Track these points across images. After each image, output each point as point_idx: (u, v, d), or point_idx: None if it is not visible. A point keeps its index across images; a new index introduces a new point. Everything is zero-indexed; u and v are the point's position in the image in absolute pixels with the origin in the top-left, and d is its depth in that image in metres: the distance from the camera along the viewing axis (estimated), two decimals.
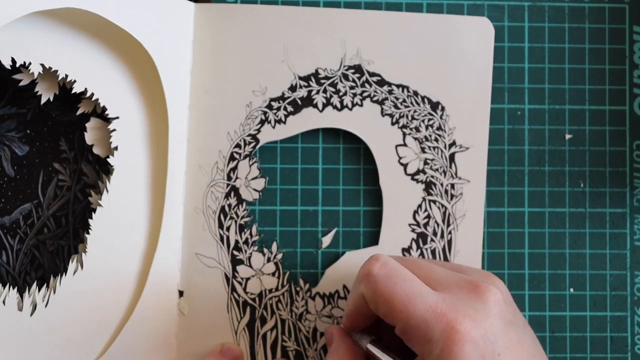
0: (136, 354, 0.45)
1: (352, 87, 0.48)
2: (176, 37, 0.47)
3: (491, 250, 0.48)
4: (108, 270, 0.45)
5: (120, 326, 0.45)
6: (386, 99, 0.48)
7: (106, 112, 0.46)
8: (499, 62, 0.49)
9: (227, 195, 0.48)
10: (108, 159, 0.46)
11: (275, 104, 0.48)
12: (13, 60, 0.43)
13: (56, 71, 0.44)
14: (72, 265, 0.45)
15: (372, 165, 0.48)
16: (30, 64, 0.43)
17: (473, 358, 0.36)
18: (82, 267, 0.45)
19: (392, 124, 0.48)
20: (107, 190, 0.45)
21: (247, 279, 0.47)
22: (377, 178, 0.48)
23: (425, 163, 0.48)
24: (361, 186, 0.48)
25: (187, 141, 0.47)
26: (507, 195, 0.48)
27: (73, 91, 0.45)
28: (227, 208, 0.47)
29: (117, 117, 0.46)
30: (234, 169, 0.48)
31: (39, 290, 0.44)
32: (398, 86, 0.48)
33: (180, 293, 0.47)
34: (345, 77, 0.48)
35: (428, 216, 0.47)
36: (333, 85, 0.48)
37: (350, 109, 0.48)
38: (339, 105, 0.48)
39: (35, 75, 0.44)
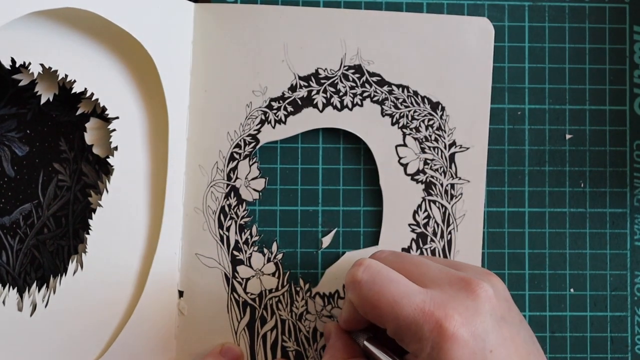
0: (136, 354, 0.45)
1: (352, 87, 0.48)
2: (176, 37, 0.47)
3: (491, 250, 0.48)
4: (108, 271, 0.45)
5: (120, 326, 0.45)
6: (386, 99, 0.48)
7: (106, 112, 0.45)
8: (499, 62, 0.49)
9: (227, 196, 0.47)
10: (108, 159, 0.46)
11: (275, 104, 0.48)
12: (13, 61, 0.43)
13: (56, 71, 0.44)
14: (72, 266, 0.45)
15: (372, 165, 0.48)
16: (30, 64, 0.43)
17: (463, 355, 0.36)
18: (82, 267, 0.45)
19: (392, 124, 0.48)
20: (107, 191, 0.45)
21: (247, 279, 0.47)
22: (377, 178, 0.48)
23: (425, 163, 0.47)
24: (361, 186, 0.48)
25: (187, 141, 0.47)
26: (507, 195, 0.48)
27: (73, 91, 0.45)
28: (227, 208, 0.47)
29: (117, 117, 0.46)
30: (234, 169, 0.48)
31: (39, 291, 0.44)
32: (398, 86, 0.48)
33: (180, 293, 0.47)
34: (346, 77, 0.48)
35: (428, 216, 0.47)
36: (333, 85, 0.48)
37: (351, 109, 0.48)
38: (339, 106, 0.48)
39: (35, 76, 0.44)
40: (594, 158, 0.49)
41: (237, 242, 0.47)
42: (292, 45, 0.48)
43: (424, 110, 0.48)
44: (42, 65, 0.44)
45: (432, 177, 0.48)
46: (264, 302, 0.47)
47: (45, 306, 0.44)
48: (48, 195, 0.47)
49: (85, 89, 0.45)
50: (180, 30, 0.47)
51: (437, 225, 0.47)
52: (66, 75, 0.44)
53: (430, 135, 0.48)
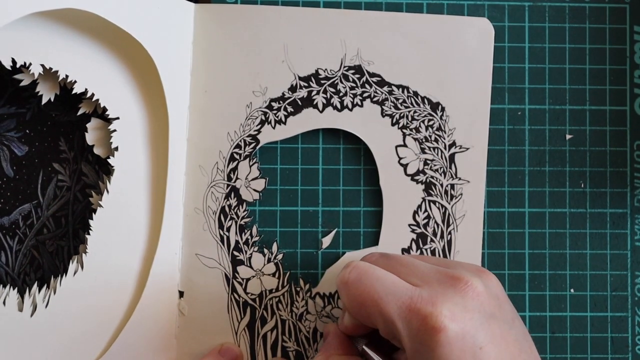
0: (136, 354, 0.45)
1: (352, 88, 0.48)
2: (176, 37, 0.47)
3: (491, 251, 0.48)
4: (108, 271, 0.45)
5: (121, 326, 0.45)
6: (386, 99, 0.48)
7: (107, 113, 0.46)
8: (500, 62, 0.49)
9: (228, 196, 0.48)
10: (108, 160, 0.46)
11: (275, 105, 0.48)
12: (13, 61, 0.43)
13: (57, 72, 0.44)
14: (72, 266, 0.45)
15: (372, 166, 0.48)
16: (30, 64, 0.43)
17: (452, 352, 0.36)
18: (82, 267, 0.45)
19: (392, 124, 0.48)
20: (108, 191, 0.45)
21: (248, 280, 0.47)
22: (377, 178, 0.48)
23: (425, 163, 0.47)
24: (361, 186, 0.48)
25: (187, 141, 0.47)
26: (507, 196, 0.48)
27: (74, 91, 0.45)
28: (227, 208, 0.47)
29: (118, 118, 0.46)
30: (234, 169, 0.48)
31: (39, 291, 0.44)
32: (398, 87, 0.48)
33: (180, 293, 0.47)
34: (346, 77, 0.48)
35: (428, 216, 0.47)
36: (333, 85, 0.48)
37: (351, 110, 0.48)
38: (339, 106, 0.48)
39: (36, 76, 0.44)
40: (594, 158, 0.49)
41: (237, 242, 0.47)
42: (292, 45, 0.48)
43: (424, 110, 0.48)
44: (42, 65, 0.44)
45: (432, 177, 0.48)
46: (264, 302, 0.47)
47: (46, 306, 0.44)
48: (47, 195, 0.47)
49: (86, 89, 0.45)
50: (180, 30, 0.47)
51: (437, 225, 0.47)
52: (67, 76, 0.44)
53: (430, 136, 0.48)
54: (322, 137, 0.48)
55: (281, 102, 0.48)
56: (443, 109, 0.48)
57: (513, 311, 0.40)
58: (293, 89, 0.48)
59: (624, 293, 0.49)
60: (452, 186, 0.47)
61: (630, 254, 0.49)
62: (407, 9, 0.49)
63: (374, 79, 0.48)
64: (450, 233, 0.47)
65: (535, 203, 0.49)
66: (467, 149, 0.48)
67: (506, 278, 0.48)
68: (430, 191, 0.47)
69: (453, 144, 0.48)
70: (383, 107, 0.48)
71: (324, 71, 0.48)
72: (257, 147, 0.48)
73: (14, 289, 0.44)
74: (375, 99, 0.48)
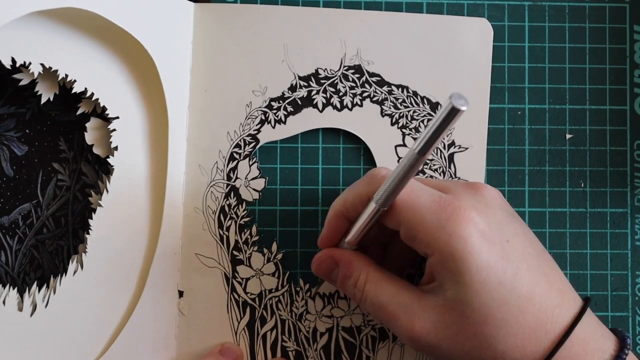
0: (136, 354, 0.45)
1: (352, 88, 0.48)
2: (176, 37, 0.47)
3: None
4: (108, 271, 0.45)
5: (121, 326, 0.45)
6: (386, 99, 0.48)
7: (106, 112, 0.46)
8: (499, 62, 0.49)
9: (227, 196, 0.48)
10: (108, 159, 0.46)
11: (275, 104, 0.48)
12: (13, 60, 0.43)
13: (56, 71, 0.44)
14: (72, 266, 0.45)
15: (372, 165, 0.48)
16: (30, 63, 0.43)
17: (482, 242, 0.37)
18: (82, 267, 0.45)
19: (392, 124, 0.48)
20: (107, 191, 0.45)
21: (247, 279, 0.47)
22: None
23: (425, 163, 0.47)
24: None
25: (186, 141, 0.47)
26: (507, 195, 0.48)
27: (73, 91, 0.45)
28: (227, 208, 0.47)
29: (117, 117, 0.46)
30: (234, 169, 0.48)
31: (39, 291, 0.44)
32: (398, 86, 0.48)
33: (180, 293, 0.47)
34: (345, 77, 0.48)
35: None
36: (333, 85, 0.48)
37: (350, 109, 0.48)
38: (338, 106, 0.48)
39: (36, 75, 0.44)
40: (594, 158, 0.49)
41: (237, 242, 0.47)
42: (292, 45, 0.48)
43: (424, 110, 0.48)
44: (42, 65, 0.44)
45: (431, 177, 0.48)
46: (263, 302, 0.47)
47: (46, 306, 0.44)
48: (47, 195, 0.47)
49: (86, 88, 0.45)
50: (180, 30, 0.47)
51: None
52: (66, 75, 0.44)
53: None
54: (322, 137, 0.48)
55: (281, 101, 0.48)
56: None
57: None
58: (293, 88, 0.48)
59: (624, 293, 0.49)
60: None
61: (630, 253, 0.49)
62: (407, 9, 0.49)
63: (374, 79, 0.48)
64: None
65: (535, 203, 0.48)
66: (466, 148, 0.48)
67: None
68: None
69: (452, 144, 0.48)
70: (383, 106, 0.48)
71: (324, 71, 0.48)
72: (257, 147, 0.48)
73: (13, 288, 0.44)
74: (375, 98, 0.48)
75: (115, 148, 0.46)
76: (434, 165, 0.47)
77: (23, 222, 0.47)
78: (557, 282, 0.39)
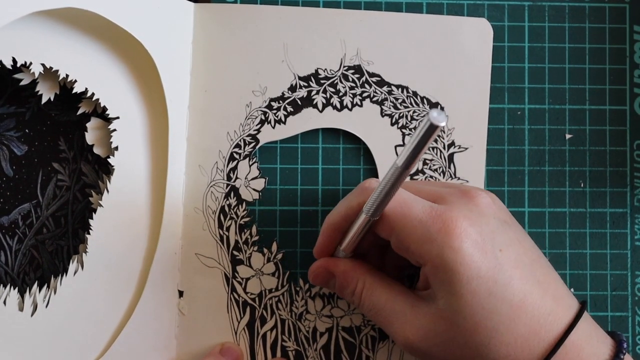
0: (136, 354, 0.45)
1: (351, 88, 0.48)
2: (176, 37, 0.47)
3: None
4: (108, 271, 0.45)
5: (121, 326, 0.45)
6: (386, 99, 0.48)
7: (107, 112, 0.46)
8: (499, 62, 0.49)
9: (227, 196, 0.48)
10: (108, 159, 0.46)
11: (275, 104, 0.48)
12: (14, 60, 0.43)
13: (57, 71, 0.44)
14: (72, 266, 0.45)
15: (372, 166, 0.48)
16: (30, 63, 0.43)
17: (474, 253, 0.37)
18: (82, 267, 0.45)
19: (392, 124, 0.48)
20: (108, 191, 0.45)
21: (247, 279, 0.47)
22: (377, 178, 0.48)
23: (424, 163, 0.47)
24: None
25: (186, 141, 0.47)
26: (507, 195, 0.48)
27: (73, 91, 0.45)
28: (227, 208, 0.48)
29: (118, 117, 0.46)
30: (234, 169, 0.48)
31: (40, 291, 0.44)
32: (397, 87, 0.48)
33: (180, 293, 0.47)
34: (345, 77, 0.48)
35: None
36: (333, 85, 0.48)
37: (350, 110, 0.48)
38: (338, 106, 0.48)
39: (36, 75, 0.44)
40: (594, 158, 0.49)
41: (237, 242, 0.47)
42: (292, 45, 0.48)
43: (424, 110, 0.48)
44: (43, 65, 0.44)
45: (431, 177, 0.48)
46: (263, 302, 0.47)
47: (46, 306, 0.44)
48: (47, 195, 0.47)
49: (86, 88, 0.45)
50: (180, 30, 0.47)
51: None
52: (67, 75, 0.44)
53: None
54: (322, 137, 0.48)
55: (281, 101, 0.48)
56: (442, 109, 0.48)
57: (519, 226, 0.41)
58: (293, 88, 0.48)
59: (624, 293, 0.49)
60: None
61: (630, 253, 0.49)
62: (407, 9, 0.49)
63: (374, 79, 0.48)
64: None
65: (535, 203, 0.48)
66: (466, 148, 0.48)
67: None
68: None
69: (452, 144, 0.48)
70: (383, 107, 0.48)
71: (324, 71, 0.48)
72: (257, 147, 0.48)
73: (14, 288, 0.44)
74: (374, 98, 0.48)
75: (116, 148, 0.46)
76: (434, 165, 0.47)
77: (23, 222, 0.47)
78: (552, 289, 0.39)
